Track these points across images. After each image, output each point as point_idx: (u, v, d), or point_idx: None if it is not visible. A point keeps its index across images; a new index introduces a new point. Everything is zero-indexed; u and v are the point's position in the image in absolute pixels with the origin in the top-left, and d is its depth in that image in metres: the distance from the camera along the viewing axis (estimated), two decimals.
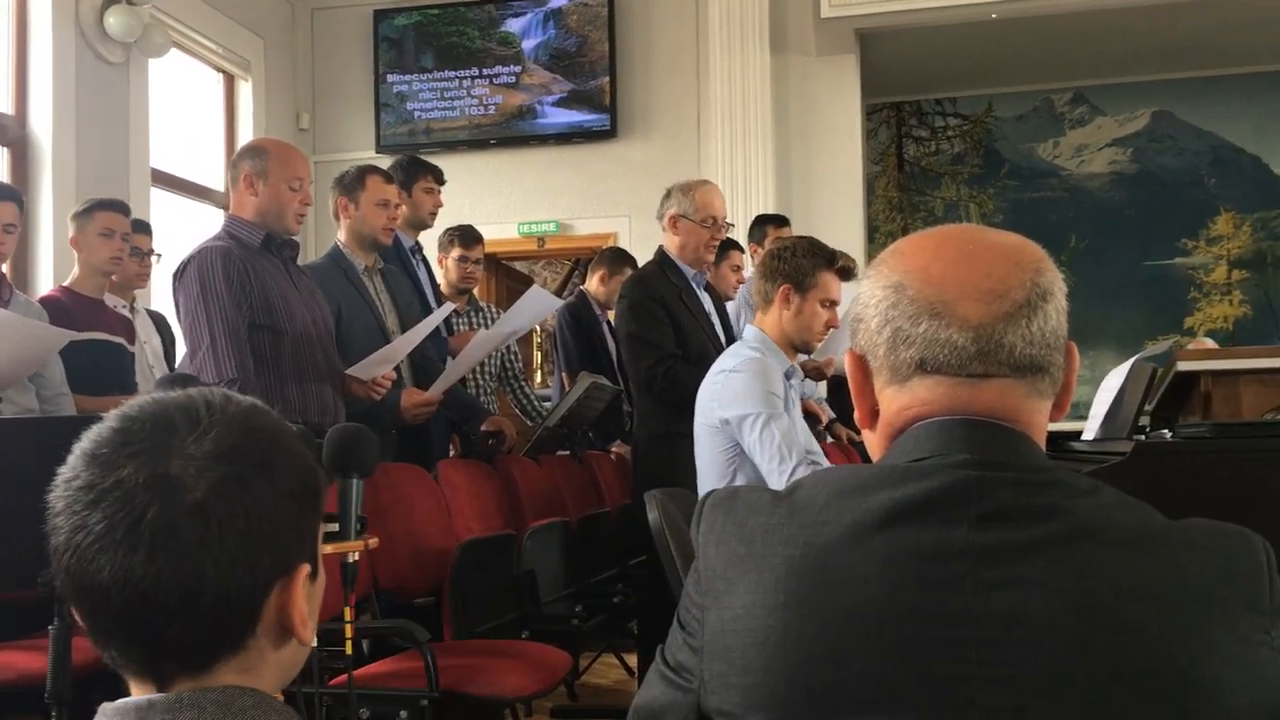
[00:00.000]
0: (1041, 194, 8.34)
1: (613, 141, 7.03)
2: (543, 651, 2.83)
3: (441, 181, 4.25)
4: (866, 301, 1.00)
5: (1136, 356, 2.95)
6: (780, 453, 2.58)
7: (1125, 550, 0.88)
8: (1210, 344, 5.96)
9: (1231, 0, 6.54)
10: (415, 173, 4.15)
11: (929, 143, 8.54)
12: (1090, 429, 3.07)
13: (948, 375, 0.95)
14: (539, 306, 3.90)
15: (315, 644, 0.88)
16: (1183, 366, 3.86)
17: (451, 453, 4.10)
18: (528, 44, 7.15)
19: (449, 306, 4.03)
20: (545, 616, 3.34)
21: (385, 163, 4.28)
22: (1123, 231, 8.13)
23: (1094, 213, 8.21)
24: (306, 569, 0.83)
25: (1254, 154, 8.05)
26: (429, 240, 4.44)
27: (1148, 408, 3.29)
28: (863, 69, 7.04)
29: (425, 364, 3.71)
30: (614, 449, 5.04)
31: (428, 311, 3.81)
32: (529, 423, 4.93)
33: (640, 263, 4.68)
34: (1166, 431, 2.39)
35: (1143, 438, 2.53)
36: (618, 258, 5.31)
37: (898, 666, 0.86)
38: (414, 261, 4.12)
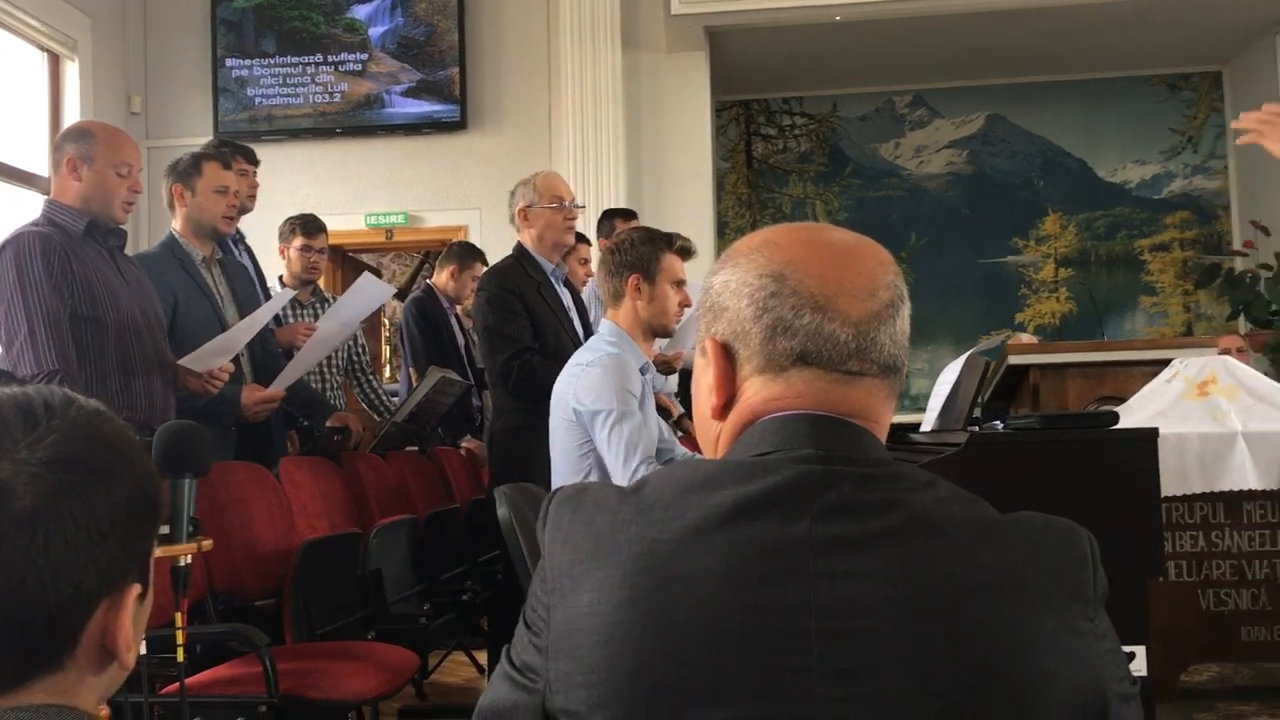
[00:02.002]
0: (883, 193, 8.59)
1: (463, 133, 6.94)
2: (388, 652, 2.77)
3: (254, 162, 4.11)
4: (736, 290, 0.99)
5: (971, 350, 3.05)
6: (625, 451, 2.61)
7: (960, 542, 0.89)
8: (1030, 339, 6.23)
9: (1061, 9, 6.86)
10: (227, 156, 3.98)
11: (777, 141, 8.70)
12: (928, 421, 3.17)
13: (827, 370, 0.96)
14: (371, 296, 3.81)
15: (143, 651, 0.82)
16: (1014, 360, 4.03)
17: (290, 449, 3.97)
18: (374, 31, 6.99)
19: (288, 293, 3.91)
20: (392, 616, 3.28)
21: None
22: (959, 230, 8.44)
23: (932, 212, 8.50)
24: (136, 589, 0.78)
25: (1080, 158, 8.47)
26: (269, 230, 4.30)
27: (981, 400, 3.42)
28: (712, 66, 7.12)
29: (267, 359, 3.59)
30: (464, 444, 4.98)
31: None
32: (377, 418, 4.83)
33: (491, 257, 4.63)
34: (999, 423, 2.48)
35: (976, 429, 2.62)
36: (467, 252, 5.24)
37: (740, 660, 0.86)
38: (237, 251, 3.97)
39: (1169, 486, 3.26)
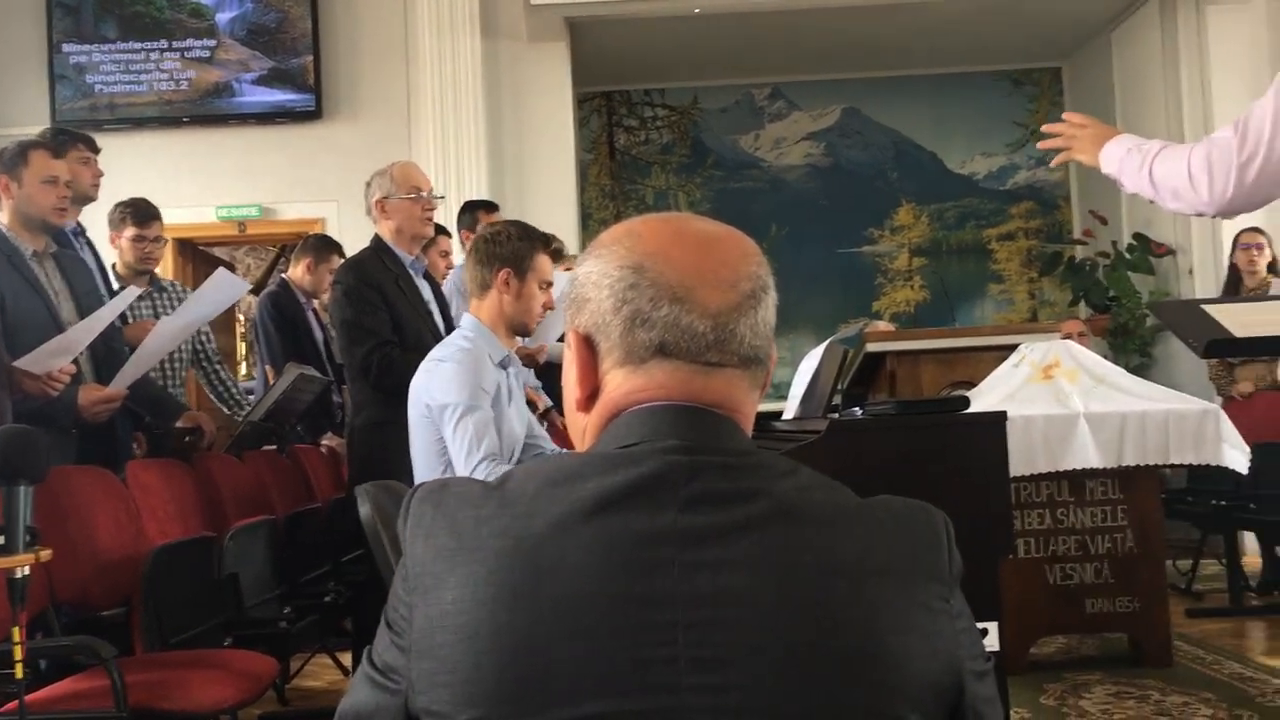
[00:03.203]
0: (744, 184, 8.72)
1: (318, 123, 6.77)
2: (247, 658, 2.69)
3: (95, 150, 3.92)
4: (597, 281, 0.98)
5: (830, 339, 3.12)
6: (469, 446, 2.59)
7: (821, 528, 0.91)
8: (887, 327, 6.41)
9: (911, 5, 7.06)
10: (64, 144, 3.78)
11: (639, 132, 8.74)
12: (790, 408, 3.23)
13: (686, 361, 0.96)
14: (225, 292, 3.68)
15: None
16: (871, 348, 4.13)
17: (138, 452, 3.80)
18: (222, 17, 6.76)
19: (132, 291, 3.74)
20: (250, 621, 3.17)
21: None
22: (818, 221, 8.62)
23: (792, 203, 8.66)
24: None
25: (931, 150, 8.74)
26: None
27: (841, 387, 3.49)
28: (574, 57, 7.11)
29: (109, 356, 3.43)
30: (325, 442, 4.87)
31: (111, 298, 3.52)
32: (227, 410, 4.67)
33: (350, 250, 4.53)
34: (857, 409, 2.54)
35: (836, 416, 2.68)
36: (323, 245, 5.12)
37: (607, 653, 0.85)
38: (78, 245, 3.78)
39: (1017, 467, 3.39)
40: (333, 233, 6.00)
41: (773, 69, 8.43)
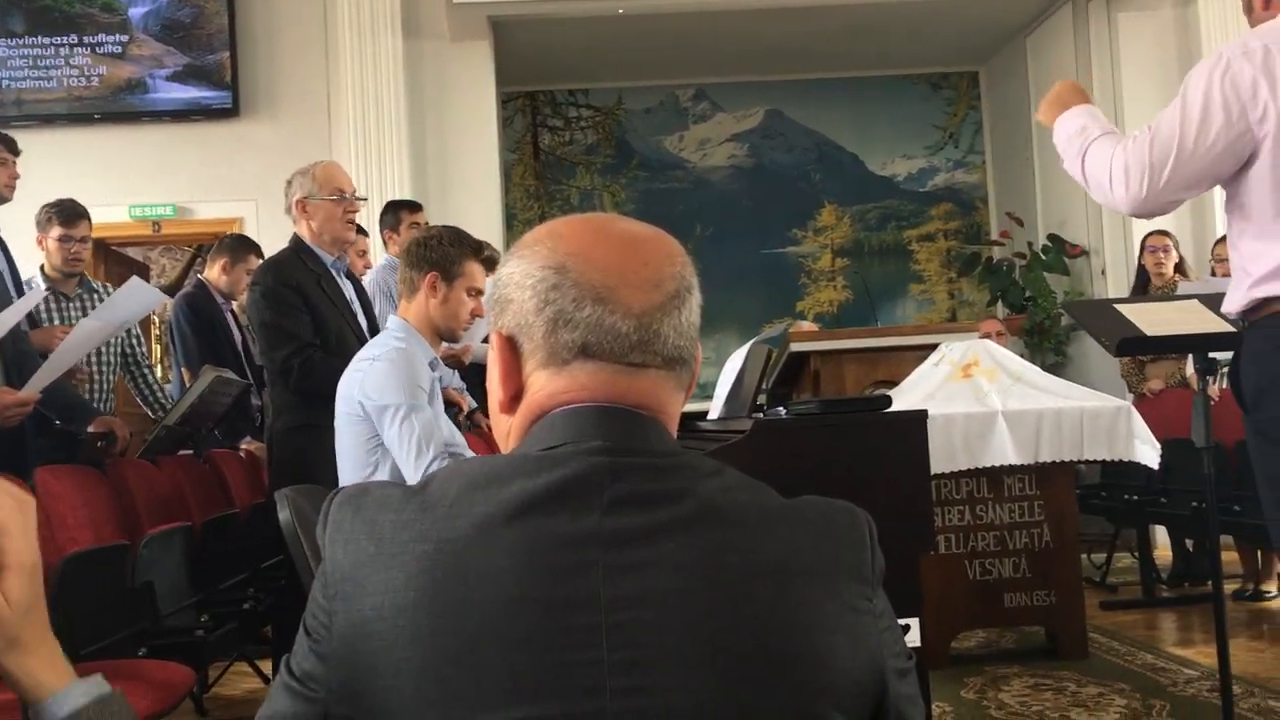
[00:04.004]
0: (669, 185, 8.74)
1: (235, 121, 6.64)
2: (161, 669, 2.62)
3: (15, 151, 3.81)
4: (520, 282, 0.97)
5: (755, 339, 3.13)
6: (418, 446, 2.57)
7: (746, 529, 0.91)
8: (810, 326, 6.48)
9: (835, 9, 7.14)
10: None
11: (563, 132, 8.72)
12: (715, 409, 3.24)
13: (609, 362, 0.95)
14: (139, 301, 3.59)
15: None
16: (795, 348, 4.17)
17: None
18: (135, 12, 6.59)
19: (39, 292, 3.64)
20: (165, 630, 3.10)
21: None
22: (742, 221, 8.67)
23: (716, 203, 8.71)
24: None
25: (853, 152, 8.85)
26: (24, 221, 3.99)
27: (766, 386, 3.51)
28: (497, 57, 7.07)
29: (20, 359, 3.34)
30: (244, 446, 4.77)
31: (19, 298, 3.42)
32: (153, 415, 4.56)
33: (269, 251, 4.44)
34: (782, 409, 2.56)
35: (761, 415, 2.69)
36: (241, 245, 5.03)
37: (531, 657, 0.85)
38: None
39: (938, 464, 3.45)
40: (251, 232, 5.89)
41: (697, 70, 8.46)
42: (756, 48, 7.96)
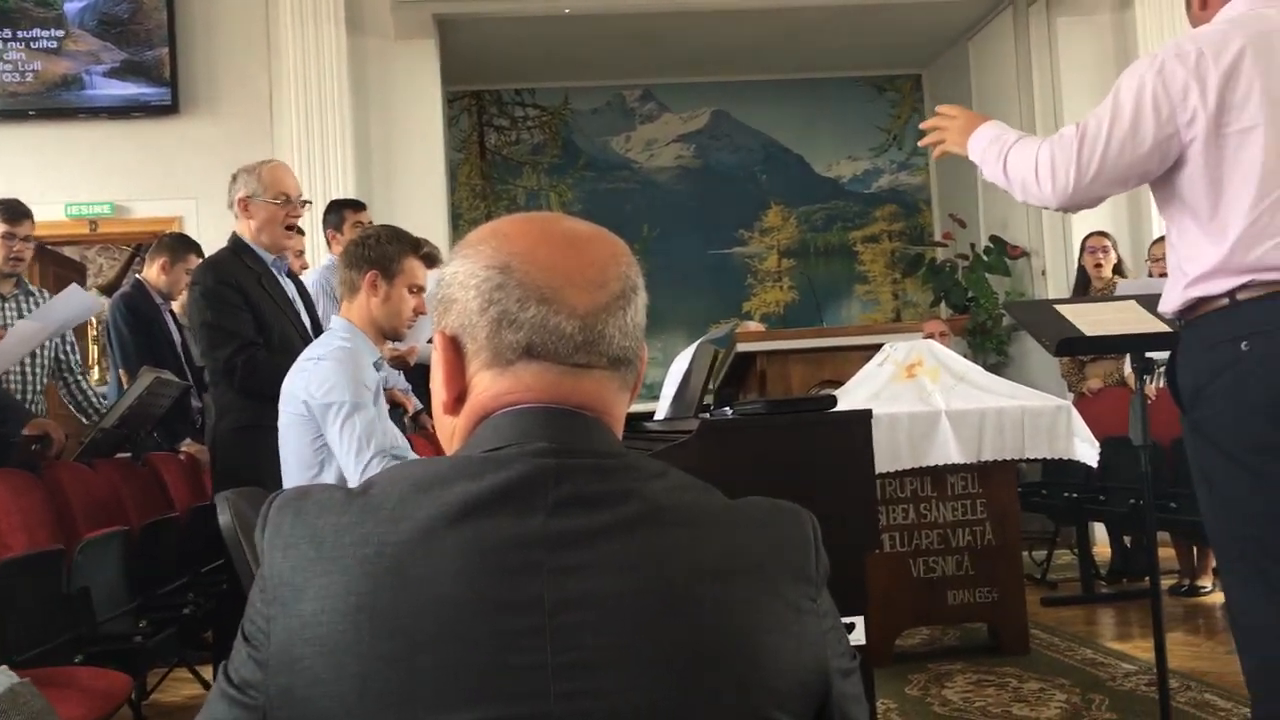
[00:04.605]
0: (616, 185, 8.74)
1: (175, 118, 6.53)
2: (98, 676, 2.57)
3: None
4: (464, 282, 0.96)
5: (701, 339, 3.14)
6: (359, 444, 2.55)
7: (691, 530, 0.90)
8: (757, 327, 6.51)
9: (781, 10, 7.18)
10: None
11: (510, 132, 8.69)
12: (661, 409, 3.24)
13: (554, 363, 0.95)
14: (76, 309, 3.52)
15: None
16: (742, 348, 4.19)
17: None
18: (70, 6, 6.46)
19: None
20: (102, 636, 3.04)
21: None
22: (689, 222, 8.70)
23: (663, 204, 8.72)
24: None
25: (799, 153, 8.91)
26: None
27: (712, 386, 3.52)
28: (443, 55, 7.02)
29: None
30: (184, 448, 4.69)
31: None
32: (86, 422, 4.47)
33: (209, 250, 4.38)
34: (728, 409, 2.56)
35: (708, 415, 2.69)
36: (180, 244, 4.94)
37: (473, 661, 0.84)
38: None
39: (883, 463, 3.48)
40: (191, 231, 5.79)
41: (643, 71, 8.47)
42: (703, 49, 7.99)
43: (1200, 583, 5.01)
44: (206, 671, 4.07)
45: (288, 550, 0.90)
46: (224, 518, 2.09)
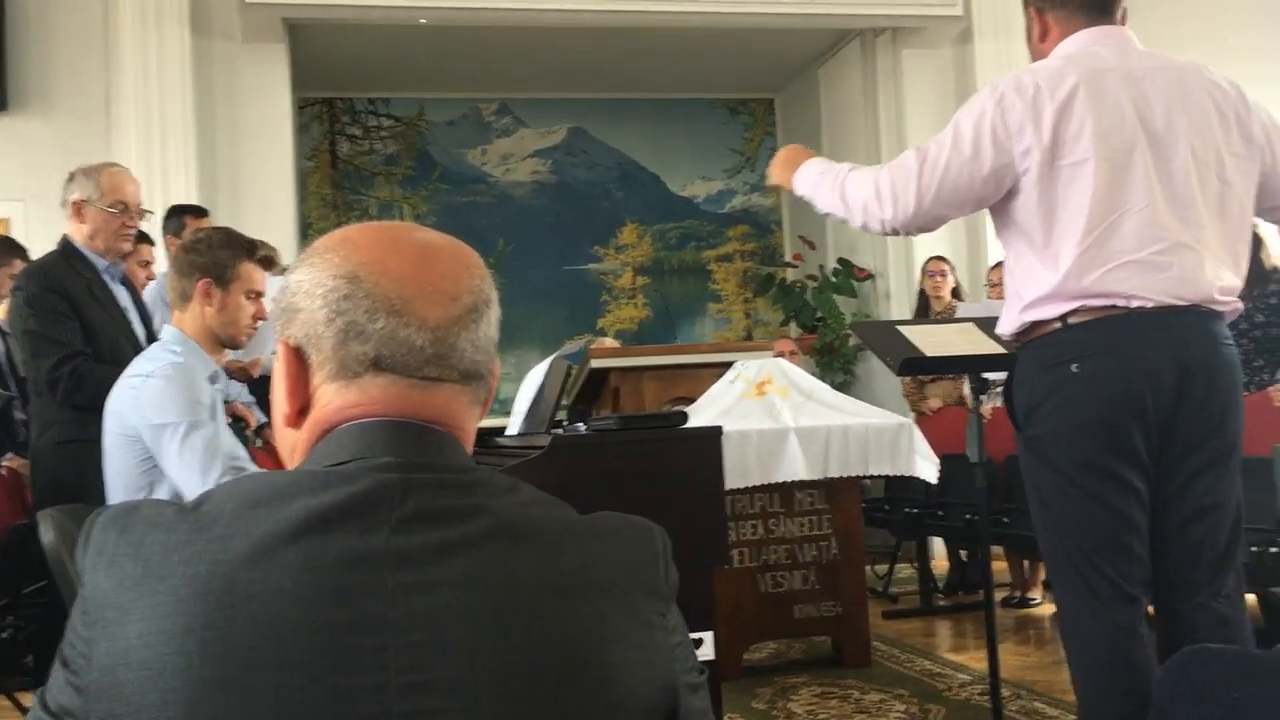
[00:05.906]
0: (471, 198, 8.67)
1: (3, 115, 6.18)
2: None
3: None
4: (310, 291, 0.94)
5: (555, 355, 3.13)
6: (203, 462, 2.43)
7: (541, 546, 0.89)
8: (611, 343, 6.53)
9: (637, 31, 7.23)
10: None
11: (362, 141, 8.53)
12: (514, 424, 3.21)
13: (403, 376, 0.93)
14: None
15: None
16: (596, 364, 4.18)
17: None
18: None
19: None
20: None
21: None
22: (544, 238, 8.68)
23: (519, 219, 8.69)
24: None
25: (654, 172, 8.99)
26: None
27: (565, 402, 3.52)
28: (293, 61, 6.85)
29: None
30: (4, 463, 4.43)
31: None
32: None
33: (36, 255, 4.16)
34: (581, 425, 2.56)
35: (560, 431, 2.68)
36: (4, 248, 4.68)
37: (311, 683, 0.81)
38: None
39: (733, 480, 3.52)
40: (18, 235, 5.48)
41: (501, 85, 8.43)
42: (560, 65, 8.00)
43: (1031, 595, 5.22)
44: (28, 699, 3.85)
45: (111, 569, 0.86)
46: (47, 536, 1.98)
